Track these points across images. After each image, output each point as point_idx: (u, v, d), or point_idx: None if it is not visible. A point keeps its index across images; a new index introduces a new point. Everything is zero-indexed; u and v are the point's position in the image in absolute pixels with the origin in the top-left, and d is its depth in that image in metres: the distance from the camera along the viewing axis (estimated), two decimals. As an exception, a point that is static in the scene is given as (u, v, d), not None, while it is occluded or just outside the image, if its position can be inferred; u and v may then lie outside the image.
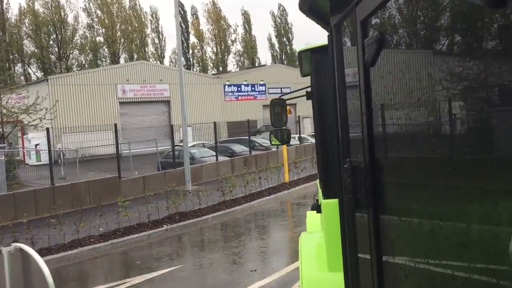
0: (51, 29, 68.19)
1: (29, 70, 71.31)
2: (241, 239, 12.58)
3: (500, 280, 1.03)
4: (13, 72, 66.89)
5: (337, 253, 2.64)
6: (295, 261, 9.98)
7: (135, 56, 71.63)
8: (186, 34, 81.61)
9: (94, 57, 72.40)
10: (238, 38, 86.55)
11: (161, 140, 29.63)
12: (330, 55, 2.57)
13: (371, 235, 1.89)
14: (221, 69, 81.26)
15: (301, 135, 33.92)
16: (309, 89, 4.65)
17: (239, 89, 52.61)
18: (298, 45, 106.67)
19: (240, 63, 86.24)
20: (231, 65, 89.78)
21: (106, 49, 73.27)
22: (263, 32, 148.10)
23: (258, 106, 52.62)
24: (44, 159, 23.20)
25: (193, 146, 28.59)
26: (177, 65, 29.46)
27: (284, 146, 21.56)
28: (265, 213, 15.86)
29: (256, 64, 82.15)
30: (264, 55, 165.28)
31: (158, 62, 69.56)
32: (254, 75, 55.21)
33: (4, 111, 24.52)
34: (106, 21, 70.74)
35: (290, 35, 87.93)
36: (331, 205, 3.14)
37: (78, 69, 64.74)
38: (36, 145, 31.33)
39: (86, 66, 68.11)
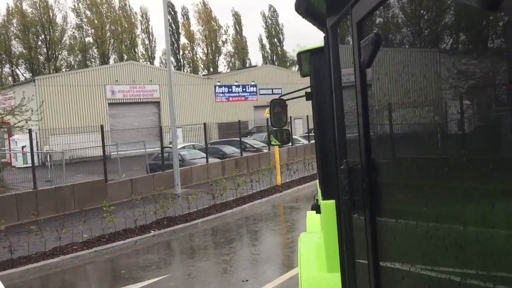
0: (40, 30, 67.40)
1: (17, 71, 70.49)
2: (232, 246, 12.02)
3: (497, 281, 1.02)
4: (0, 73, 65.95)
5: (336, 254, 2.65)
6: (289, 270, 9.46)
7: (125, 57, 70.70)
8: (176, 35, 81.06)
9: (83, 58, 71.66)
10: (229, 39, 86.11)
11: (151, 141, 28.97)
12: (326, 56, 2.61)
13: (368, 236, 1.89)
14: (211, 70, 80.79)
15: (293, 136, 33.48)
16: (308, 90, 4.65)
17: (230, 90, 52.05)
18: (289, 46, 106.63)
19: (231, 64, 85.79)
20: (222, 66, 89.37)
21: (95, 50, 72.52)
22: (254, 33, 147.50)
23: (249, 107, 52.19)
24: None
25: (183, 147, 28.11)
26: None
27: (276, 148, 21.10)
28: (257, 217, 15.31)
29: (247, 65, 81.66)
30: (255, 56, 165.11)
31: (149, 63, 68.81)
32: (245, 76, 54.68)
33: (-11, 112, 23.86)
34: (96, 21, 69.93)
35: (281, 36, 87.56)
36: (330, 205, 3.09)
37: (67, 70, 63.82)
38: (23, 147, 30.70)
39: (75, 67, 67.26)
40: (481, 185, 1.09)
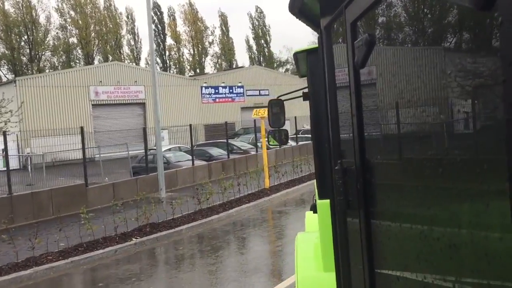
0: (23, 30, 66.02)
1: (0, 72, 69.00)
2: (218, 254, 11.33)
3: (491, 281, 1.02)
4: (-18, 74, 64.64)
5: (332, 253, 2.63)
6: (279, 282, 8.79)
7: (110, 58, 69.56)
8: (162, 36, 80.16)
9: (67, 59, 70.40)
10: (216, 40, 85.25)
11: (136, 143, 28.13)
12: (320, 56, 2.61)
13: (362, 236, 1.88)
14: (198, 71, 79.97)
15: (281, 138, 32.82)
16: (306, 90, 4.63)
17: (217, 91, 51.28)
18: (276, 47, 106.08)
19: (217, 65, 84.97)
20: (209, 67, 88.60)
21: (80, 51, 71.28)
22: (240, 34, 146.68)
23: (236, 108, 51.51)
24: (13, 164, 21.86)
25: (169, 149, 27.35)
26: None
27: (264, 150, 20.43)
28: (245, 223, 14.64)
29: (234, 66, 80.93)
30: (241, 57, 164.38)
31: (134, 64, 67.73)
32: (232, 77, 53.94)
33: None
34: (80, 21, 68.69)
35: (268, 37, 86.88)
36: (326, 205, 3.03)
37: (51, 71, 62.62)
38: (3, 149, 29.76)
39: (59, 68, 66.02)
40: (475, 186, 1.08)
